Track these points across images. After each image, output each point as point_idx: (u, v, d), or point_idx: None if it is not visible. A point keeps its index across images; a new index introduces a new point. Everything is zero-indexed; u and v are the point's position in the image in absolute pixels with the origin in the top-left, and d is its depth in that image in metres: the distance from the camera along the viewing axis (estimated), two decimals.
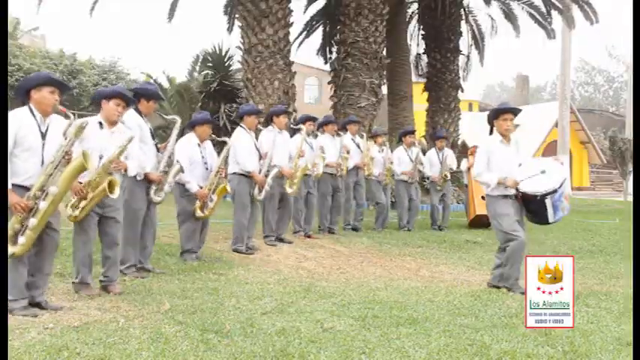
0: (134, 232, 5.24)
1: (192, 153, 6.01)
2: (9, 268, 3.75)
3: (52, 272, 4.27)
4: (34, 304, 3.93)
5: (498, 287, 5.13)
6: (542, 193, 4.94)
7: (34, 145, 3.86)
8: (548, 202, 4.94)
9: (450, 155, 10.06)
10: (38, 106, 3.93)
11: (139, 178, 5.15)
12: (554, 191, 4.95)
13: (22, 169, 3.82)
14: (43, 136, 3.90)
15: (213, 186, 6.08)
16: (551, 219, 5.03)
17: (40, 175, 3.84)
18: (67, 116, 3.99)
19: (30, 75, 4.04)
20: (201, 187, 5.99)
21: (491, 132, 5.31)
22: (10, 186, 3.72)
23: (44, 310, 3.90)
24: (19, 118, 3.86)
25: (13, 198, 3.73)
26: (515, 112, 5.26)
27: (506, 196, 5.10)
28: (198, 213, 5.98)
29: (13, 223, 3.76)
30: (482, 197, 10.03)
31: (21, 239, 3.76)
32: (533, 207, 5.06)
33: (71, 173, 3.92)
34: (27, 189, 3.81)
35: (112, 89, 4.76)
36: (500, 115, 5.22)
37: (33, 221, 3.77)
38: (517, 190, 5.07)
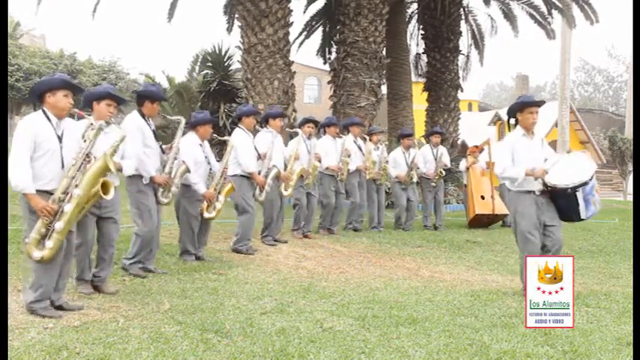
0: (150, 230, 5.20)
1: (196, 153, 6.01)
2: (40, 271, 3.78)
3: (70, 274, 4.28)
4: (56, 307, 3.92)
5: None
6: (573, 185, 4.62)
7: (52, 149, 3.85)
8: (579, 195, 4.63)
9: (444, 153, 10.04)
10: (53, 110, 3.91)
11: (144, 181, 5.15)
12: (585, 183, 4.63)
13: (42, 173, 3.80)
14: (60, 139, 3.90)
15: (219, 186, 6.07)
16: (583, 215, 4.72)
17: (62, 178, 3.86)
18: (82, 119, 4.08)
19: (43, 78, 4.02)
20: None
21: (515, 124, 5.01)
22: (33, 191, 3.73)
23: (67, 311, 3.90)
24: (35, 123, 3.84)
25: (39, 202, 3.73)
26: (541, 104, 4.97)
27: (529, 192, 4.81)
28: (206, 214, 5.97)
29: (39, 228, 3.75)
30: (482, 197, 10.11)
31: (48, 243, 3.76)
32: (563, 203, 4.75)
33: (95, 174, 3.92)
34: (48, 193, 3.80)
35: (101, 90, 4.69)
36: (526, 108, 4.91)
37: (60, 224, 3.77)
38: (545, 184, 4.77)
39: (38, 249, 3.75)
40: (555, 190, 4.73)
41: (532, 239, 4.76)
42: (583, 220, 4.86)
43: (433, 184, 9.77)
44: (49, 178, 3.83)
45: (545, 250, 4.86)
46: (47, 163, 3.83)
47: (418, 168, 9.56)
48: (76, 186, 3.83)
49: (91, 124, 4.18)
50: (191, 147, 5.99)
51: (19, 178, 3.70)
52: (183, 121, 5.59)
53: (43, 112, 3.90)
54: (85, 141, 4.00)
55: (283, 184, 7.21)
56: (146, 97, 5.24)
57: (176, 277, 5.26)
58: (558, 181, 4.70)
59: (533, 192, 4.81)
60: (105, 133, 4.45)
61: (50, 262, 3.81)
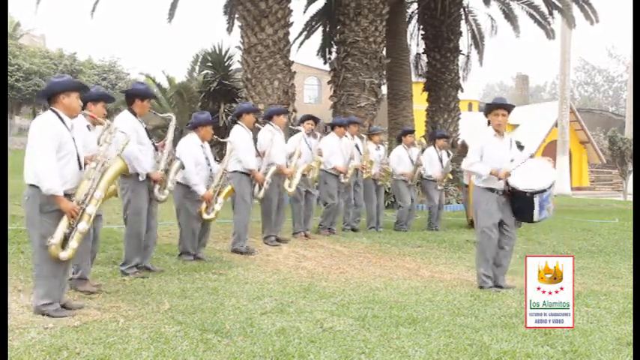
0: (138, 231, 5.24)
1: (196, 154, 6.01)
2: (51, 273, 3.79)
3: (70, 273, 4.29)
4: (61, 306, 3.94)
5: (500, 287, 5.17)
6: (532, 190, 4.97)
7: (70, 150, 3.88)
8: (536, 200, 4.97)
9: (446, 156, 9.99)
10: (67, 111, 3.91)
11: (141, 178, 5.17)
12: (544, 191, 4.98)
13: (62, 174, 3.80)
14: (73, 140, 3.92)
15: (219, 188, 6.07)
16: (536, 217, 5.07)
17: (82, 180, 3.90)
18: (99, 123, 4.29)
19: (55, 79, 4.00)
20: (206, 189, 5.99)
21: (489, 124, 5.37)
22: (62, 193, 3.74)
23: (72, 310, 3.94)
24: (55, 125, 3.83)
25: (68, 204, 3.77)
26: (507, 107, 5.26)
27: (492, 190, 5.14)
28: (205, 215, 5.97)
29: (63, 229, 3.78)
30: None
31: (72, 243, 3.81)
32: (519, 204, 5.09)
33: (113, 176, 4.01)
34: (65, 195, 3.80)
35: (95, 91, 4.81)
36: (492, 110, 5.27)
37: (83, 225, 3.83)
38: (507, 184, 5.08)
39: (63, 249, 3.79)
40: (515, 192, 5.06)
41: (491, 235, 5.13)
42: (535, 222, 5.22)
43: (440, 187, 9.73)
44: (68, 179, 3.86)
45: (499, 247, 5.22)
46: (67, 164, 3.85)
47: (422, 165, 9.51)
48: (96, 188, 3.90)
49: (108, 126, 4.29)
50: (191, 147, 5.99)
51: (52, 181, 3.69)
52: (173, 118, 5.60)
53: (55, 113, 3.88)
54: (100, 145, 4.09)
55: (287, 180, 7.20)
56: (135, 95, 5.29)
57: (176, 277, 5.26)
58: (520, 184, 5.03)
59: (496, 191, 5.15)
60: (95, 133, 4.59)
61: (60, 264, 3.83)
